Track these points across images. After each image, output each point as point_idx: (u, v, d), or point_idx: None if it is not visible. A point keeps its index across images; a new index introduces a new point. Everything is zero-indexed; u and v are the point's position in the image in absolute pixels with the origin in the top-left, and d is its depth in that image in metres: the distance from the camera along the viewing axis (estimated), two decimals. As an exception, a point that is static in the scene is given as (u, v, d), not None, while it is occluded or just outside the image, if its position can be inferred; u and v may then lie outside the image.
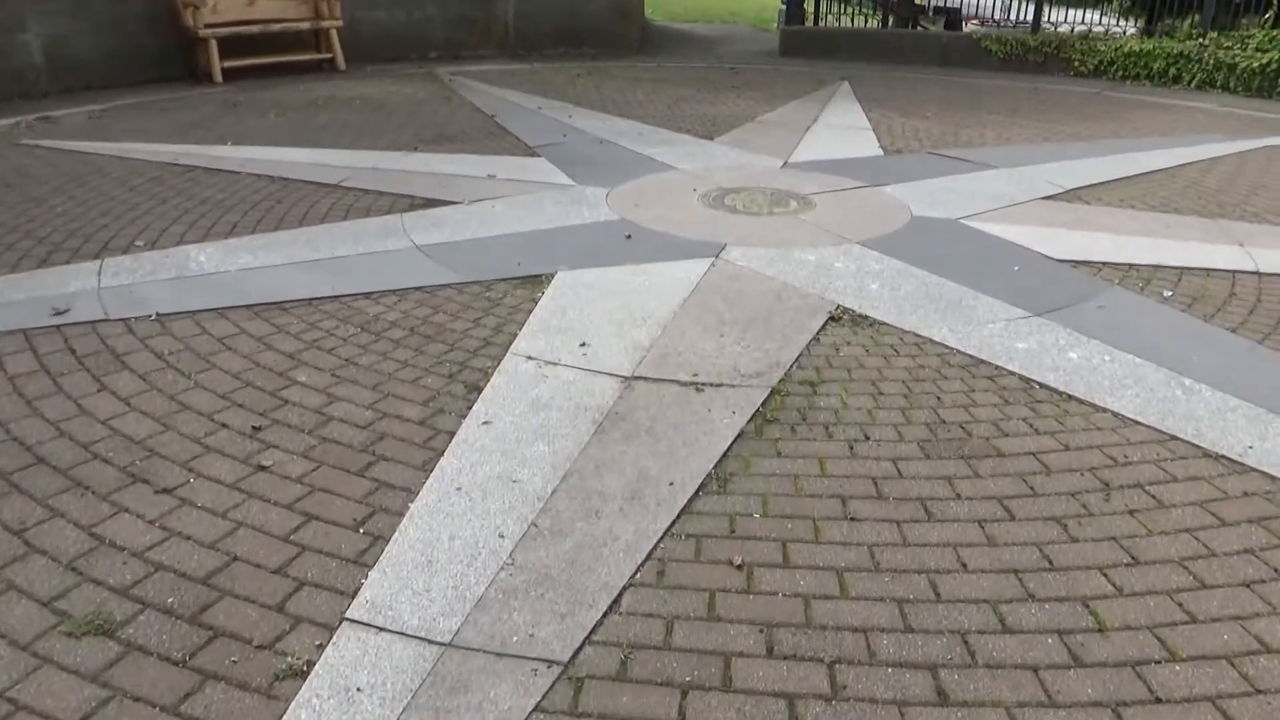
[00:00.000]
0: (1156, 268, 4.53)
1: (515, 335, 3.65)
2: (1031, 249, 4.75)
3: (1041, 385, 3.31)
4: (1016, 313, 3.94)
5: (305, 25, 10.22)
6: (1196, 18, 10.71)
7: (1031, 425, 3.03)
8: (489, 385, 3.24)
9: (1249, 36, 9.89)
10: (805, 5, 12.62)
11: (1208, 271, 4.49)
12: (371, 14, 11.08)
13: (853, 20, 12.92)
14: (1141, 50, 10.49)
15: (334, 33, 10.32)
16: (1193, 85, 10.12)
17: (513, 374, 3.34)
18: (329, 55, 10.36)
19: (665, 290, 4.12)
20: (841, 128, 7.73)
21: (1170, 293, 4.21)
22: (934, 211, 5.38)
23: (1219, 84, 9.98)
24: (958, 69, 11.19)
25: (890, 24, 12.81)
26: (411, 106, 8.35)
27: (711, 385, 3.27)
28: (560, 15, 11.95)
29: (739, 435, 2.94)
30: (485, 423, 2.99)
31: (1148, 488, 2.69)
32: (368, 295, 4.03)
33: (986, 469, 2.78)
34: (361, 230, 4.88)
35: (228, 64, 9.58)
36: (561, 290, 4.11)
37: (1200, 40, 10.22)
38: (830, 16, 12.79)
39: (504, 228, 4.97)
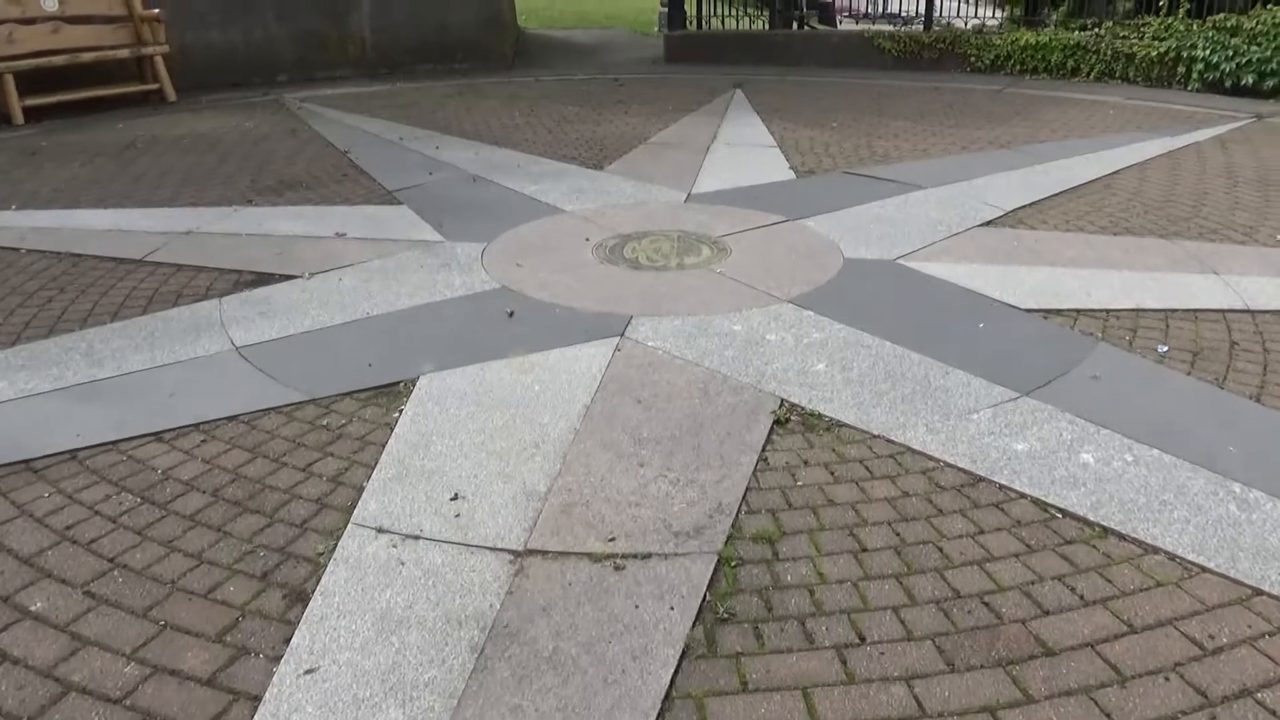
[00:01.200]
0: (1138, 313, 3.85)
1: (361, 489, 2.67)
2: (990, 296, 4.02)
3: (1064, 513, 2.53)
4: (1000, 393, 3.17)
5: (125, 53, 8.85)
6: (1065, 7, 10.45)
7: (1073, 588, 2.24)
8: (319, 590, 2.27)
9: (1145, 25, 9.58)
10: (686, 7, 11.85)
11: (1195, 314, 3.83)
12: (205, 35, 9.78)
13: (738, 22, 12.23)
14: (1038, 43, 10.09)
15: (159, 60, 8.99)
16: (1092, 77, 9.78)
17: (355, 564, 2.37)
18: (155, 86, 9.02)
19: (561, 395, 3.20)
20: (744, 145, 6.94)
21: (1165, 348, 3.53)
22: (867, 250, 4.62)
23: (1118, 74, 9.65)
24: (852, 70, 10.60)
25: (775, 24, 12.16)
26: (250, 144, 7.18)
27: (636, 557, 2.37)
28: (425, 28, 10.85)
29: (684, 654, 2.05)
30: (308, 671, 2.02)
31: (1258, 695, 1.92)
32: (160, 436, 2.98)
33: (1038, 683, 1.96)
34: (165, 328, 3.79)
35: (30, 102, 8.19)
36: (426, 405, 3.15)
37: (1096, 31, 9.88)
38: (715, 19, 12.06)
39: (353, 310, 3.96)
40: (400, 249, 4.71)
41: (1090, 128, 7.46)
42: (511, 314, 3.89)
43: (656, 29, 14.39)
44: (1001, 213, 5.20)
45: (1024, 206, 5.31)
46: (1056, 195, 5.53)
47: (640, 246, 4.70)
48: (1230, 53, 8.90)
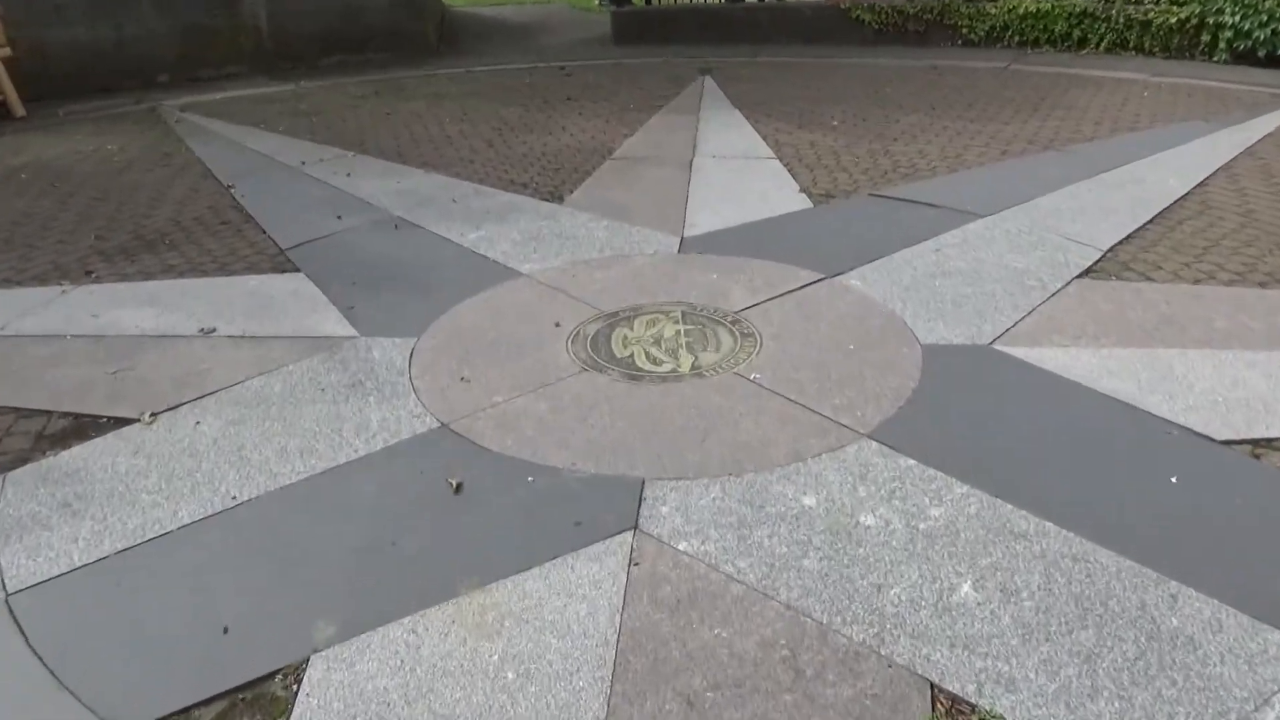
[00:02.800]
0: (1389, 437, 2.64)
1: None
2: (1155, 412, 2.78)
3: None
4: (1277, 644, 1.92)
5: (-48, 58, 7.15)
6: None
7: None
8: None
9: (1163, -12, 8.42)
10: (634, -22, 10.40)
11: None
12: (66, 32, 8.07)
13: (692, -7, 10.80)
14: (1039, 11, 8.88)
15: (0, 67, 7.29)
16: (1102, 48, 8.62)
17: None
18: (-3, 98, 7.34)
19: (550, 691, 1.87)
20: (734, 158, 5.59)
21: None
22: (946, 327, 3.35)
23: (1132, 44, 8.50)
24: (828, 46, 9.29)
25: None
26: (107, 177, 5.63)
27: None
28: (331, 13, 9.25)
29: None
30: None
31: None
32: None
33: None
34: (-103, 550, 2.36)
35: None
36: (319, 737, 1.79)
37: (1106, -4, 8.70)
38: (667, -9, 10.62)
39: (210, 493, 2.57)
40: (293, 354, 3.30)
41: (1132, 116, 6.26)
42: (459, 488, 2.53)
43: (599, 3, 12.89)
44: (1098, 254, 3.96)
45: (1120, 243, 4.08)
46: (1151, 223, 4.30)
47: (634, 335, 3.36)
48: (1264, 18, 7.79)
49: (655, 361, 3.18)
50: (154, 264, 4.24)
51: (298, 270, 4.09)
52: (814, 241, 4.22)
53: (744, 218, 4.55)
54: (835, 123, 6.37)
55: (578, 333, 3.40)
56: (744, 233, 4.36)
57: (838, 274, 3.84)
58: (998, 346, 3.23)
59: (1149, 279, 3.74)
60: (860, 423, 2.78)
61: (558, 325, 3.46)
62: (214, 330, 3.51)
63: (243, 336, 3.46)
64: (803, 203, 4.77)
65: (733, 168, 5.38)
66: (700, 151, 5.71)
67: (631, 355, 3.23)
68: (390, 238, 4.44)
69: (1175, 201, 4.56)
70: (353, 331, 3.47)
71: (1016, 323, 3.38)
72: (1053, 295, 3.60)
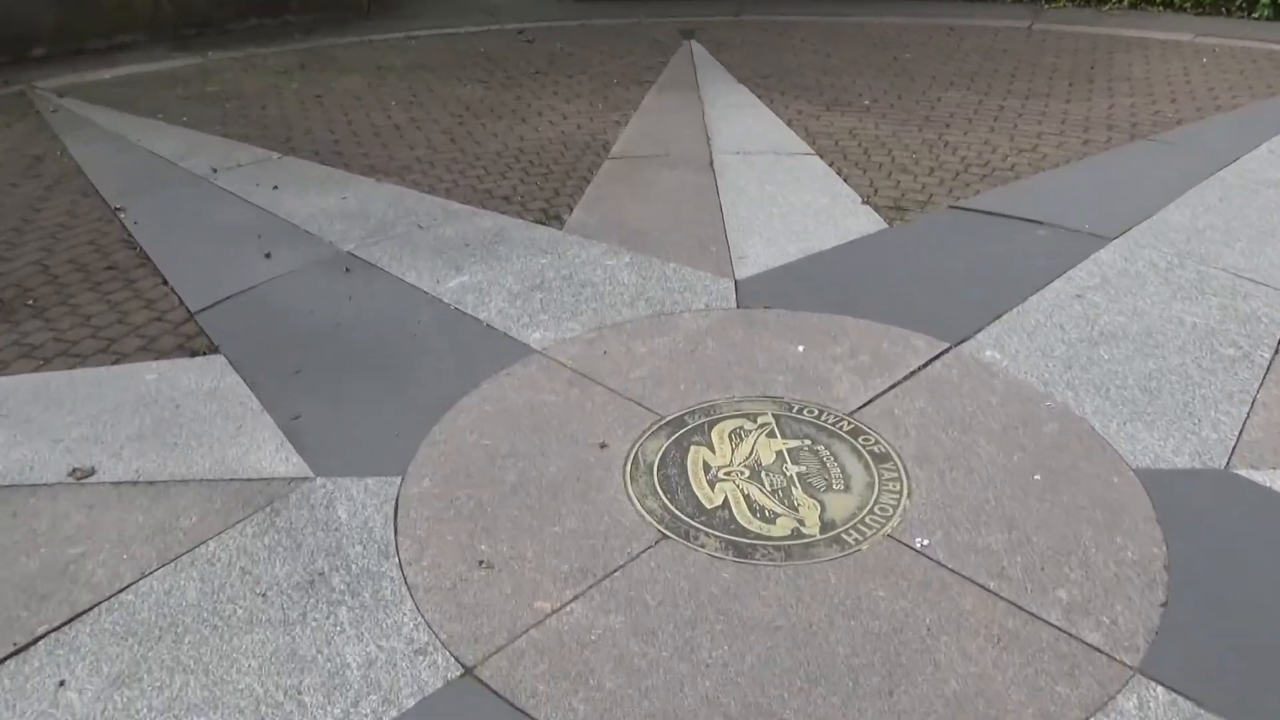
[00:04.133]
0: None
1: None
2: None
3: None
4: None
5: None
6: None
7: None
8: None
9: (1196, -67, 7.52)
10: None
11: None
12: (-98, -7, 6.52)
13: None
14: (1054, -40, 7.93)
15: None
16: (1126, 3, 7.72)
17: None
18: None
19: None
20: (763, 153, 4.52)
21: None
22: (1154, 438, 2.40)
23: (1159, 0, 7.63)
24: (817, 3, 8.15)
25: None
26: (-46, 195, 4.31)
27: None
28: (241, -33, 7.78)
29: None
30: None
31: None
32: None
33: None
34: None
35: None
36: None
37: (1133, -58, 7.77)
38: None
39: None
40: (213, 516, 2.18)
41: (1207, 90, 5.36)
42: (516, 837, 1.48)
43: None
44: (1289, 299, 3.03)
45: (1308, 280, 3.16)
46: (1326, 246, 3.40)
47: (718, 460, 2.32)
48: (1314, -31, 6.97)
49: (764, 515, 2.15)
50: (4, 342, 3.03)
51: (215, 350, 2.92)
52: (909, 284, 3.21)
53: (805, 246, 3.50)
54: (867, 102, 5.32)
55: (635, 458, 2.35)
56: (812, 270, 3.33)
57: (963, 340, 2.84)
58: (1240, 472, 2.27)
59: (1379, 340, 2.82)
60: (1117, 641, 1.81)
61: (604, 446, 2.39)
62: (92, 472, 2.36)
63: (136, 482, 2.32)
64: (871, 221, 3.74)
65: (765, 168, 4.31)
66: (718, 146, 4.62)
67: (726, 503, 2.19)
68: (341, 288, 3.29)
69: (1335, 212, 3.66)
70: (303, 468, 2.35)
71: (1244, 424, 2.43)
72: (1268, 371, 2.66)
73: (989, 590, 1.93)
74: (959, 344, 2.82)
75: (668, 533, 2.10)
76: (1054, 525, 2.10)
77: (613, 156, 4.55)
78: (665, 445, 2.40)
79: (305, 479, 2.30)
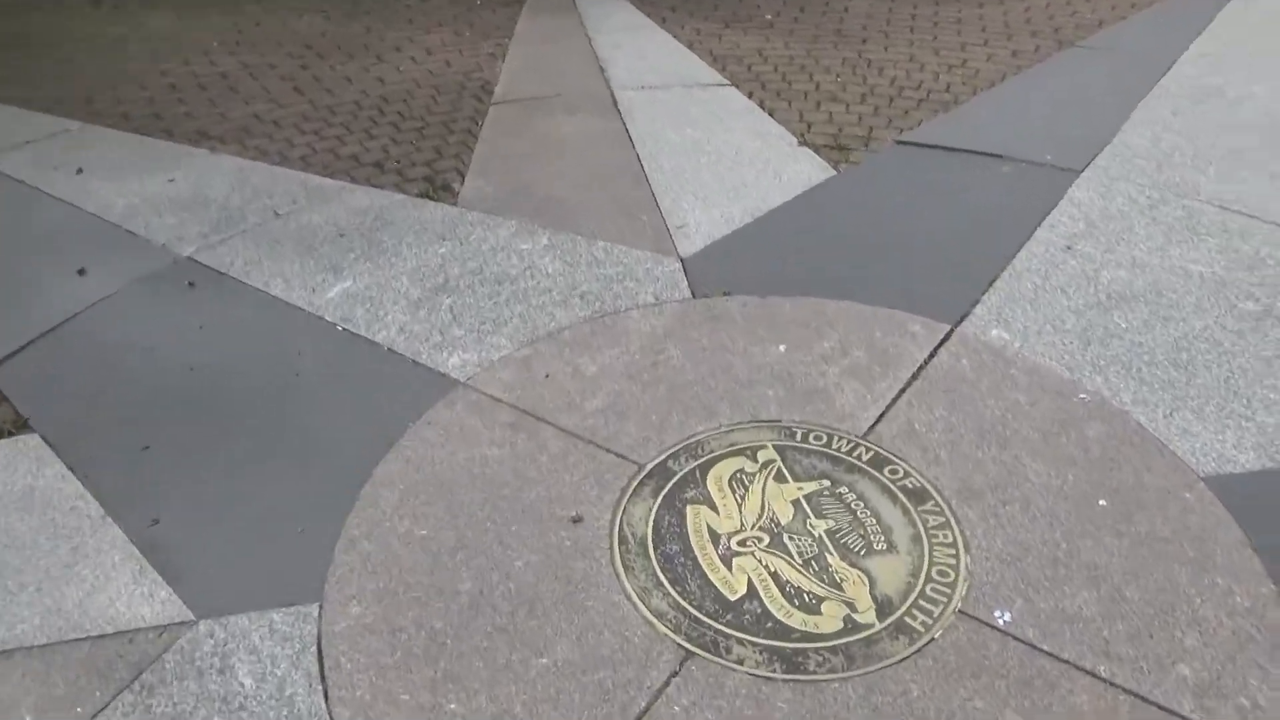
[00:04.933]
0: None
1: None
2: None
3: None
4: None
5: None
6: None
7: None
8: None
9: None
10: None
11: None
12: None
13: None
14: None
15: None
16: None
17: None
18: None
19: None
20: (672, 87, 3.94)
21: None
22: (1212, 434, 2.09)
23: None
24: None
25: None
26: None
27: None
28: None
29: None
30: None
31: None
32: None
33: None
34: None
35: None
36: None
37: None
38: None
39: None
40: (51, 701, 1.55)
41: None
42: None
43: None
44: (1287, 234, 2.77)
45: (1295, 208, 2.91)
46: (1297, 163, 3.16)
47: (725, 526, 1.85)
48: None
49: (804, 602, 1.70)
50: None
51: (24, 425, 2.19)
52: (880, 249, 2.77)
53: (749, 205, 3.00)
54: (769, 16, 4.78)
55: (621, 532, 1.84)
56: (764, 236, 2.84)
57: (962, 318, 2.44)
58: (1319, 470, 1.98)
59: (1393, 278, 2.59)
60: (1270, 734, 1.47)
61: (577, 520, 1.87)
62: None
63: (-69, 661, 1.65)
64: (814, 166, 3.26)
65: (678, 106, 3.74)
66: (616, 80, 4.00)
67: (752, 589, 1.73)
68: (186, 312, 2.57)
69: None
70: (178, 607, 1.73)
71: (1298, 403, 2.14)
72: (1303, 332, 2.38)
73: (1101, 678, 1.56)
74: (959, 323, 2.42)
75: (691, 647, 1.63)
76: (1143, 571, 1.74)
77: (497, 101, 3.87)
78: (655, 508, 1.90)
79: (183, 624, 1.69)
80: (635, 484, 1.96)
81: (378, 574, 1.78)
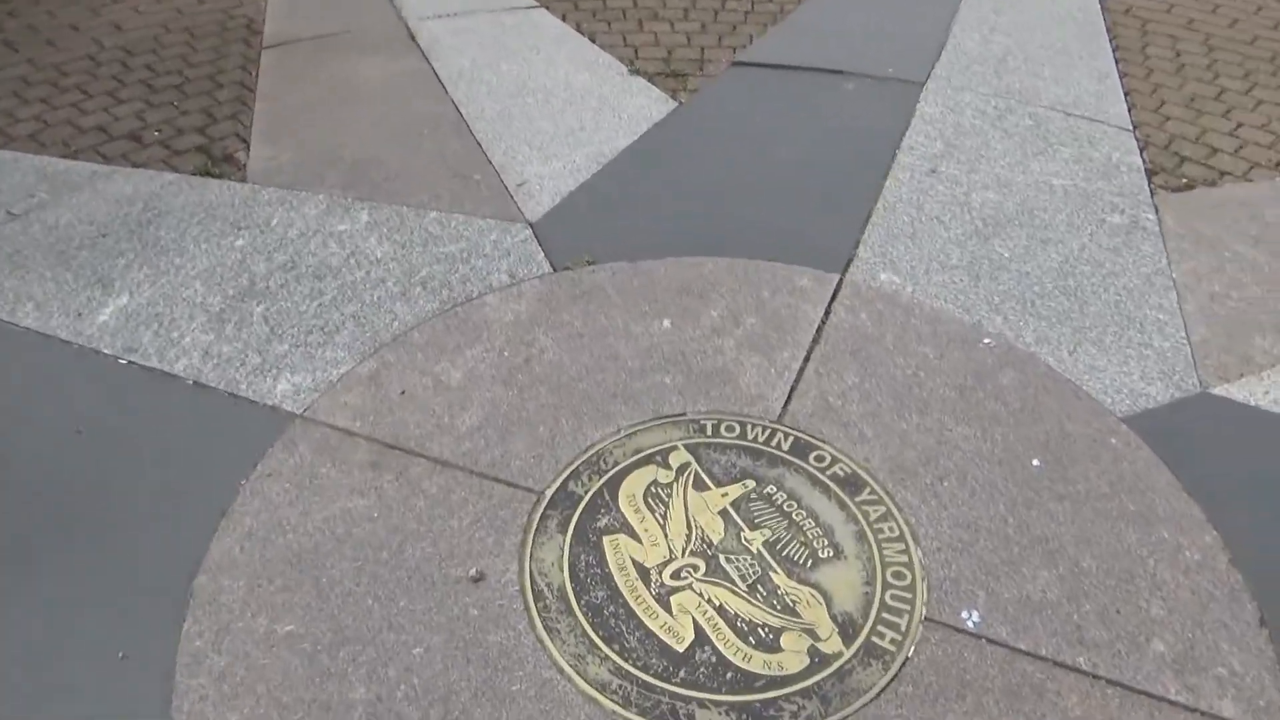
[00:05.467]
0: None
1: None
2: None
3: None
4: None
5: None
6: None
7: None
8: None
9: None
10: None
11: None
12: None
13: None
14: None
15: None
16: None
17: None
18: None
19: None
20: (477, 13, 3.48)
21: None
22: (1111, 363, 2.03)
23: None
24: None
25: None
26: None
27: None
28: None
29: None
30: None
31: None
32: None
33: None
34: None
35: None
36: None
37: None
38: None
39: None
40: None
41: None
42: None
43: None
44: (1127, 135, 2.76)
45: (1133, 111, 2.91)
46: (1120, 63, 3.18)
47: (653, 557, 1.61)
48: None
49: (760, 639, 1.49)
50: None
51: None
52: (743, 191, 2.53)
53: (593, 151, 2.67)
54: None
55: (535, 587, 1.56)
56: (618, 188, 2.53)
57: (847, 263, 2.26)
58: (1216, 391, 1.96)
59: (1229, 175, 2.63)
60: (1251, 701, 1.42)
61: (479, 579, 1.57)
62: None
63: None
64: (653, 99, 2.95)
65: (488, 37, 3.30)
66: (410, 7, 3.49)
67: (700, 633, 1.49)
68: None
69: (1097, 17, 3.46)
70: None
71: (1184, 322, 2.12)
72: (1165, 240, 2.36)
73: (1084, 672, 1.45)
74: (846, 270, 2.23)
75: (646, 723, 1.38)
76: (1093, 537, 1.65)
77: (270, 44, 3.26)
78: (567, 547, 1.62)
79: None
80: (538, 519, 1.66)
81: (239, 696, 1.40)
